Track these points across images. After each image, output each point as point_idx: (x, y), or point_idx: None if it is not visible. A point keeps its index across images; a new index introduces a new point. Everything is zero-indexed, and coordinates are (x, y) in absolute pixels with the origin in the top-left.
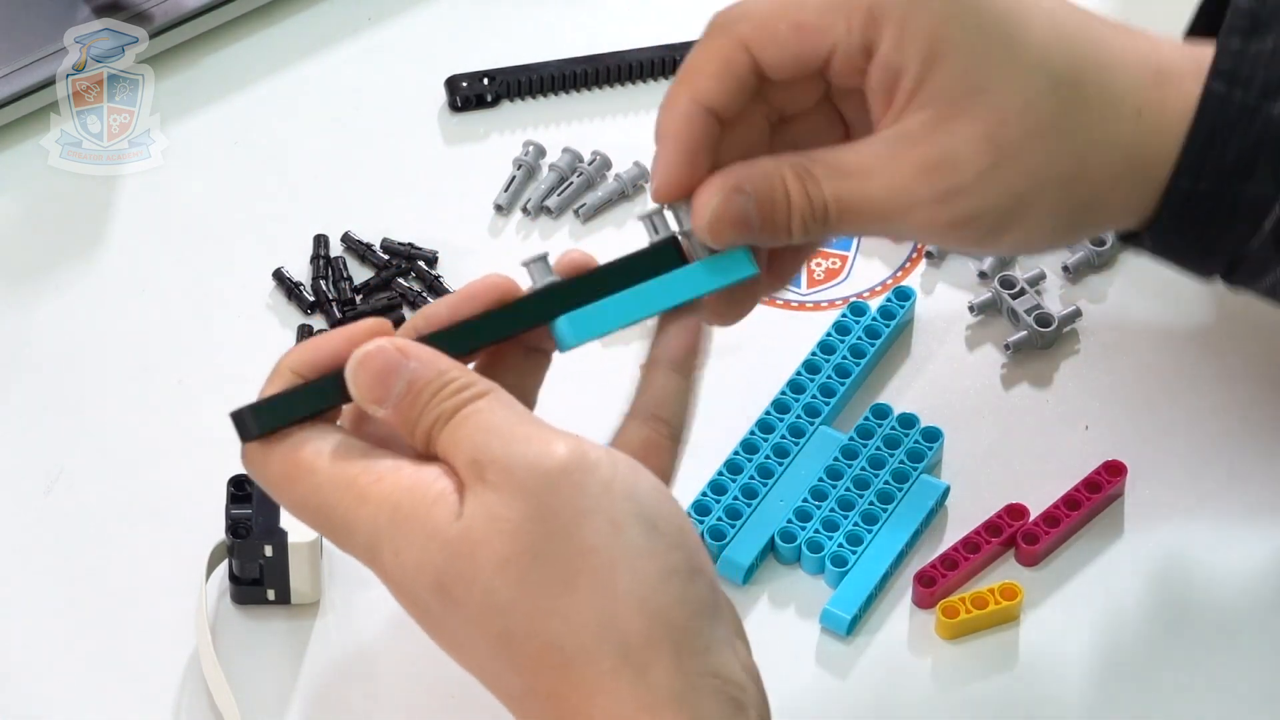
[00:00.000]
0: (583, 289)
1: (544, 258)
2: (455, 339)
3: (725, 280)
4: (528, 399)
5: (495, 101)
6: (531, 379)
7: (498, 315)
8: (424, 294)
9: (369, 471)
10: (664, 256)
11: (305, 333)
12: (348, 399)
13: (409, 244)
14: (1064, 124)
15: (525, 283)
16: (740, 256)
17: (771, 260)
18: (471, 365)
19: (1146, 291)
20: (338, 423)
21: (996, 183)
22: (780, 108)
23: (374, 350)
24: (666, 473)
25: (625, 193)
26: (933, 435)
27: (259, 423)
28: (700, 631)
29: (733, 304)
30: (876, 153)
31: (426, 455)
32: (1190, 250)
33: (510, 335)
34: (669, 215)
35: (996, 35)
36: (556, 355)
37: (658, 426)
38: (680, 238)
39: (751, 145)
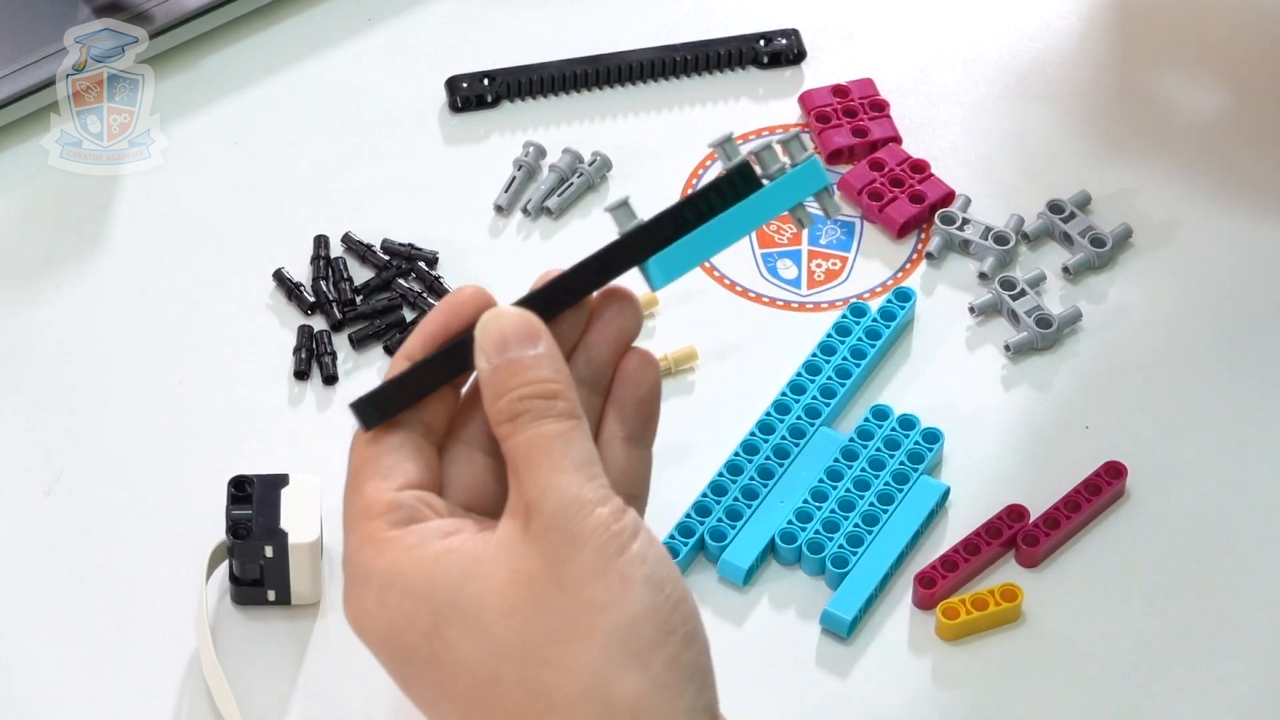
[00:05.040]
0: (668, 226)
1: (626, 202)
2: (554, 293)
3: (801, 195)
4: (625, 342)
5: (495, 102)
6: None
7: (590, 265)
8: (424, 294)
9: (391, 513)
10: (740, 181)
11: (305, 333)
12: (449, 377)
13: (409, 244)
14: None
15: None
16: (813, 169)
17: None
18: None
19: (1146, 292)
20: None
21: None
22: None
23: (509, 314)
24: None
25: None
26: (933, 437)
27: (377, 411)
28: (685, 693)
29: None
30: None
31: (492, 438)
32: None
33: (605, 282)
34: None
35: None
36: None
37: (628, 504)
38: (751, 159)
39: None
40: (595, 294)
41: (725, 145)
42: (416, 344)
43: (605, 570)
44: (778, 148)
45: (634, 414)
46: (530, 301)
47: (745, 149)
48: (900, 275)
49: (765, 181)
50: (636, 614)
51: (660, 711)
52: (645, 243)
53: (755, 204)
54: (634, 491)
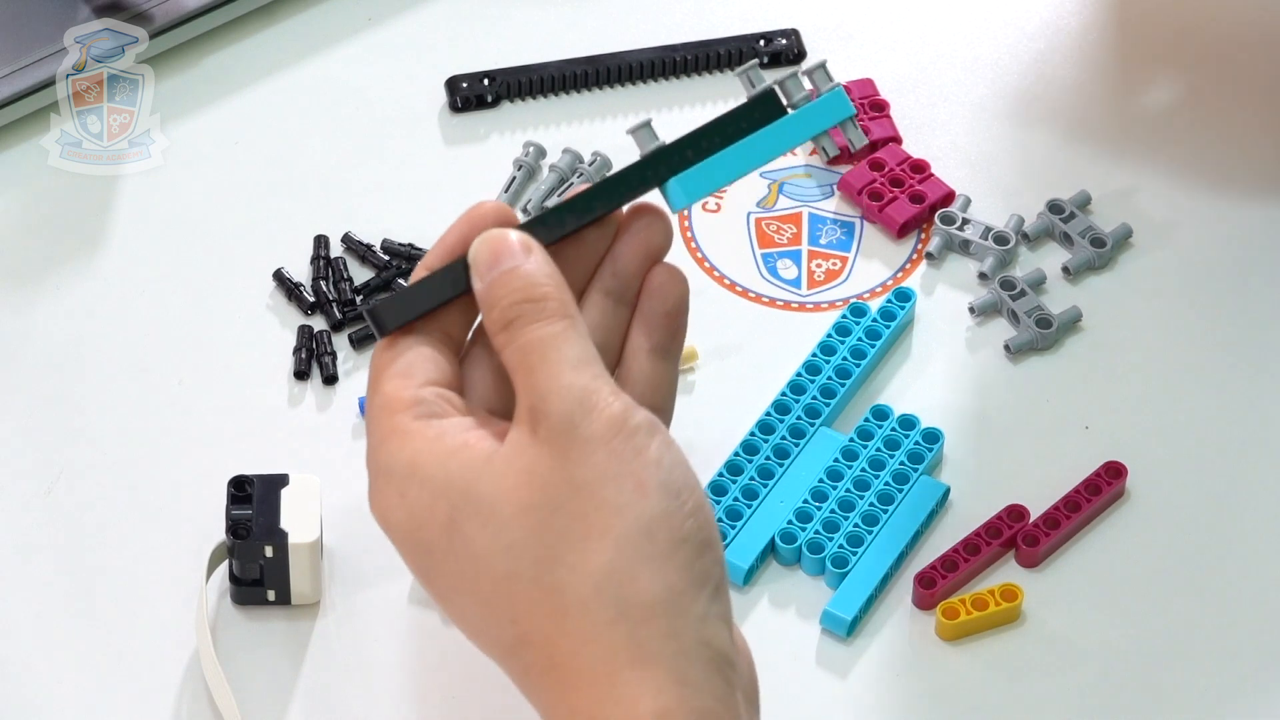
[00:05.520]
0: (690, 149)
1: (648, 124)
2: (571, 210)
3: (825, 124)
4: (653, 256)
5: (495, 102)
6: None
7: (612, 182)
8: None
9: (413, 408)
10: (764, 107)
11: (305, 333)
12: (463, 288)
13: (409, 244)
14: None
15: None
16: (837, 99)
17: None
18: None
19: (1146, 292)
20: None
21: None
22: None
23: (500, 233)
24: None
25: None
26: (933, 437)
27: (391, 318)
28: (698, 599)
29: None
30: None
31: (496, 347)
32: None
33: (626, 200)
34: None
35: None
36: None
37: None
38: (776, 88)
39: None
40: (624, 210)
41: (750, 73)
42: (435, 256)
43: (620, 473)
44: (803, 77)
45: (660, 326)
46: (545, 217)
47: (770, 77)
48: (900, 275)
49: (789, 110)
50: (652, 518)
51: (675, 617)
52: (667, 164)
53: (778, 130)
54: (659, 404)
